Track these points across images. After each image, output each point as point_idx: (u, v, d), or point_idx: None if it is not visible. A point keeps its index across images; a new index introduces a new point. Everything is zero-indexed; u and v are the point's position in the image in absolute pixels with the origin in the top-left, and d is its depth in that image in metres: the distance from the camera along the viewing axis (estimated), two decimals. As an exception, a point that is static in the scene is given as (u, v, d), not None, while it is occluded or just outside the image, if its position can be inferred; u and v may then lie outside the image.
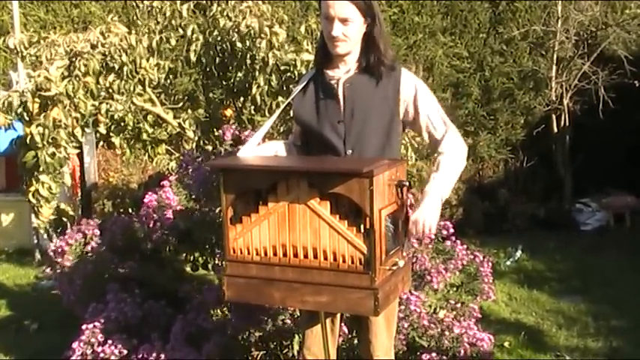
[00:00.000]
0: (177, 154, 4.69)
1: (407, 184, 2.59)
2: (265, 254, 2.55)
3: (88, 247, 4.16)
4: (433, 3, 7.90)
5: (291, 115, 2.87)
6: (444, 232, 3.88)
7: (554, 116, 7.82)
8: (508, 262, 6.29)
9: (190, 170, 4.00)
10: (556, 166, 7.88)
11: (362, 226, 2.42)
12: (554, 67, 7.70)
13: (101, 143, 5.00)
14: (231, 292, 2.64)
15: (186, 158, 4.07)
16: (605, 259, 6.28)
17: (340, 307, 2.54)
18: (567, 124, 7.81)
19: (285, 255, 2.53)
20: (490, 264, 4.25)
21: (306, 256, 2.50)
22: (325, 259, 2.48)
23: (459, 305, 4.00)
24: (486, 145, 8.06)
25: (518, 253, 6.46)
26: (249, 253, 2.58)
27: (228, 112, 4.86)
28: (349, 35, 2.62)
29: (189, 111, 4.79)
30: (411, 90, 2.71)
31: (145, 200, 4.26)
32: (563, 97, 7.71)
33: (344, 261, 2.46)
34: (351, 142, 2.68)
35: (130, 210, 4.83)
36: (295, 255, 2.51)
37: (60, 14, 7.94)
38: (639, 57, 7.64)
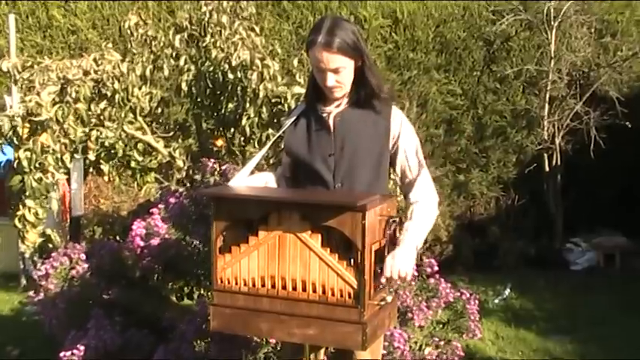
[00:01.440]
0: (166, 183, 4.67)
1: (397, 219, 2.58)
2: (253, 285, 2.54)
3: (74, 272, 4.11)
4: (428, 40, 7.93)
5: (282, 147, 2.86)
6: (429, 270, 3.86)
7: (545, 155, 7.83)
8: (496, 300, 6.25)
9: (171, 203, 4.00)
10: (547, 205, 7.87)
11: (352, 260, 2.41)
12: (547, 107, 7.73)
13: (91, 170, 4.97)
14: (218, 323, 2.61)
15: (166, 191, 4.07)
16: (595, 299, 6.25)
17: (328, 340, 2.51)
18: (559, 163, 7.81)
19: (273, 286, 2.51)
20: (477, 302, 4.25)
21: (294, 289, 2.48)
22: (314, 291, 2.47)
23: (442, 342, 3.98)
24: (478, 182, 8.06)
25: (507, 292, 6.43)
26: (237, 284, 2.56)
27: (219, 143, 4.86)
28: (343, 81, 2.65)
29: (180, 140, 4.78)
30: (397, 126, 2.73)
31: (133, 227, 4.24)
32: (555, 136, 7.72)
33: (333, 294, 2.44)
34: (340, 176, 2.69)
35: (119, 237, 4.79)
36: (284, 287, 2.50)
37: (57, 40, 7.95)
38: (631, 98, 7.70)
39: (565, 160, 7.80)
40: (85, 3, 7.90)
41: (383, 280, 2.46)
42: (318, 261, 2.44)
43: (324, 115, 2.72)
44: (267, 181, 2.81)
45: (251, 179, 2.78)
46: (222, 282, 2.58)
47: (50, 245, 4.98)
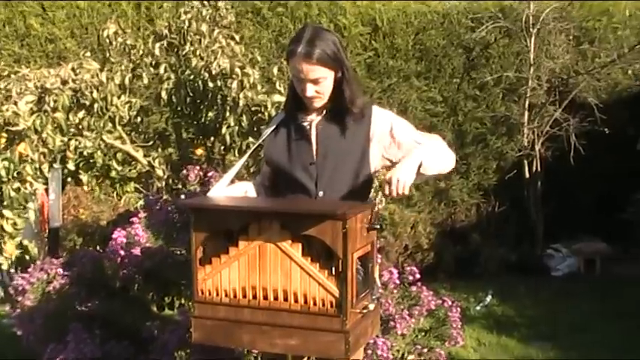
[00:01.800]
0: (146, 192, 4.63)
1: (378, 227, 2.56)
2: (235, 296, 2.51)
3: (51, 287, 4.06)
4: (408, 47, 7.95)
5: (262, 155, 2.85)
6: (410, 278, 3.85)
7: (526, 162, 7.87)
8: (478, 307, 6.26)
9: (154, 211, 3.97)
10: (528, 212, 7.90)
11: (334, 269, 2.39)
12: (527, 114, 7.76)
13: (70, 180, 4.92)
14: (199, 334, 2.58)
15: (150, 199, 4.04)
16: (576, 305, 6.27)
17: (310, 350, 2.49)
18: (539, 169, 7.85)
19: (255, 297, 2.49)
20: (459, 309, 4.24)
21: (276, 299, 2.46)
22: (296, 301, 2.44)
23: (425, 350, 3.97)
24: (459, 189, 8.08)
25: (489, 298, 6.44)
26: (217, 295, 2.53)
27: (199, 152, 4.83)
28: (323, 92, 2.64)
29: (160, 150, 4.74)
30: (386, 127, 2.71)
31: (114, 236, 4.20)
32: (535, 143, 7.76)
33: (315, 304, 2.42)
34: (323, 184, 2.67)
35: (99, 247, 4.74)
36: (265, 297, 2.47)
37: (35, 49, 7.88)
38: (609, 105, 7.76)
39: (545, 166, 7.84)
40: (63, 12, 7.83)
41: (386, 190, 2.45)
42: (300, 270, 2.42)
43: (305, 123, 2.71)
44: (246, 190, 2.79)
45: (230, 189, 2.75)
46: (202, 293, 2.55)
47: (27, 257, 4.91)
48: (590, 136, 7.39)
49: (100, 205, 7.10)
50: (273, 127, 2.79)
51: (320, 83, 2.60)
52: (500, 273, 7.24)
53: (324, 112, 2.70)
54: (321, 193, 2.67)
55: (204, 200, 2.83)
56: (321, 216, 2.37)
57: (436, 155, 2.64)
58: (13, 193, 3.91)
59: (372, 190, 2.97)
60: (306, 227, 2.39)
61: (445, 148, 2.73)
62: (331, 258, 2.39)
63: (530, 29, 7.58)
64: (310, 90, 2.61)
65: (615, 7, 8.23)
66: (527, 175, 7.91)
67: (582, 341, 5.29)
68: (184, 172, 3.84)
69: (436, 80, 8.04)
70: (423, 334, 4.26)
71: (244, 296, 2.49)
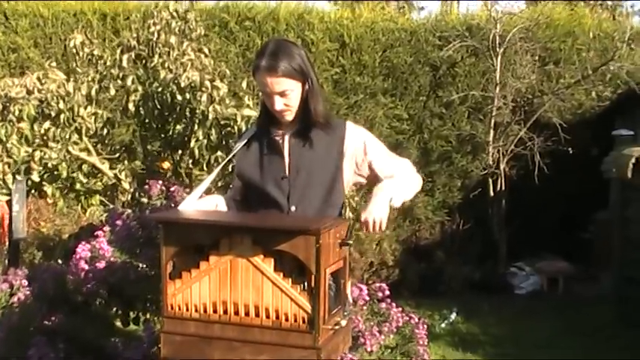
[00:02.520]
0: (111, 206, 4.55)
1: (350, 243, 2.54)
2: (205, 311, 2.46)
3: (15, 299, 3.97)
4: (375, 64, 7.97)
5: (232, 170, 2.82)
6: (380, 295, 3.82)
7: (490, 180, 7.92)
8: (443, 325, 6.27)
9: (116, 225, 3.90)
10: (491, 230, 7.94)
11: (306, 285, 2.36)
12: (492, 132, 7.82)
13: (33, 191, 4.82)
14: (168, 350, 2.52)
15: (113, 213, 3.97)
16: (539, 323, 6.31)
17: (281, 366, 2.45)
18: (503, 188, 7.90)
19: (225, 312, 2.44)
20: (425, 326, 4.22)
21: (247, 314, 2.41)
22: (267, 317, 2.40)
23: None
24: (423, 206, 8.10)
25: (453, 316, 6.46)
26: (187, 310, 2.48)
27: (166, 165, 4.77)
28: (291, 104, 2.62)
29: (126, 162, 4.67)
30: (360, 143, 2.71)
31: (78, 250, 4.12)
32: (500, 161, 7.81)
33: (287, 319, 2.38)
34: (295, 199, 2.64)
35: (61, 261, 4.65)
36: (236, 313, 2.42)
37: (-3, 58, 7.76)
38: (573, 125, 7.87)
39: (509, 185, 7.89)
40: (26, 21, 7.72)
41: (364, 230, 2.48)
42: (271, 286, 2.38)
43: (277, 137, 2.68)
44: (217, 204, 2.75)
45: (201, 203, 2.71)
46: (172, 308, 2.50)
47: (-11, 269, 4.80)
48: (554, 156, 7.49)
49: (62, 218, 6.99)
50: (244, 141, 2.76)
51: (287, 96, 2.59)
52: (464, 291, 7.27)
53: (297, 125, 2.68)
54: (293, 208, 2.65)
55: (174, 214, 2.79)
56: (294, 231, 2.34)
57: (405, 186, 2.66)
58: (-27, 205, 3.83)
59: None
60: (278, 242, 2.35)
61: (413, 174, 2.76)
62: (303, 274, 2.36)
63: (497, 49, 7.64)
64: (279, 103, 2.59)
65: (580, 28, 8.35)
66: (491, 193, 7.95)
67: (545, 358, 5.30)
68: (146, 186, 3.78)
69: (402, 98, 8.08)
70: (389, 350, 4.25)
71: (215, 311, 2.44)
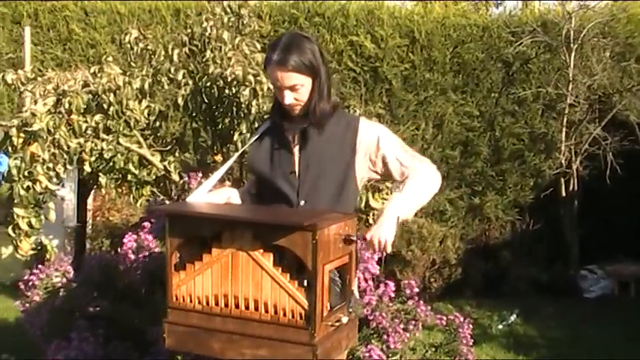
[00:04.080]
0: (160, 197, 4.66)
1: (354, 238, 2.52)
2: (207, 303, 2.50)
3: (59, 283, 4.13)
4: (445, 60, 7.87)
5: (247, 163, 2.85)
6: (408, 292, 3.79)
7: (562, 180, 7.70)
8: (500, 326, 6.14)
9: (155, 217, 4.00)
10: (562, 231, 7.73)
11: (305, 281, 2.36)
12: (565, 131, 7.60)
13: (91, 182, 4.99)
14: (171, 340, 2.58)
15: (152, 205, 4.07)
16: (603, 328, 6.11)
17: (278, 361, 2.46)
18: (576, 188, 7.68)
19: (226, 305, 2.47)
20: (470, 326, 4.16)
21: (247, 308, 2.44)
22: (266, 311, 2.42)
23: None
24: (494, 205, 7.96)
25: (513, 317, 6.32)
26: (191, 301, 2.52)
27: (219, 158, 4.85)
28: (301, 99, 2.63)
29: (177, 154, 4.77)
30: (373, 138, 2.68)
31: (124, 240, 4.25)
32: (572, 161, 7.60)
33: (284, 315, 2.39)
34: (304, 193, 2.65)
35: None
36: (237, 306, 2.45)
37: (76, 53, 8.05)
38: (651, 124, 7.56)
39: (582, 185, 7.66)
40: (104, 17, 8.00)
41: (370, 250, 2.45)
42: (270, 280, 2.40)
43: (288, 132, 2.69)
44: (229, 196, 2.78)
45: (212, 195, 2.75)
46: (177, 299, 2.55)
47: (47, 256, 4.99)
48: (630, 156, 7.21)
49: (130, 209, 7.20)
50: (259, 134, 2.79)
51: (297, 90, 2.59)
52: (529, 293, 7.09)
53: (309, 119, 2.68)
54: (302, 203, 2.65)
55: (178, 206, 2.84)
56: (291, 227, 2.35)
57: (417, 193, 2.62)
58: (22, 192, 3.98)
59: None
60: (276, 237, 2.36)
61: (429, 175, 2.68)
62: (303, 269, 2.37)
63: (571, 45, 7.43)
64: (289, 97, 2.60)
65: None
66: (563, 193, 7.74)
67: (602, 364, 5.16)
68: (186, 178, 3.85)
69: (473, 94, 7.95)
70: (433, 349, 4.22)
71: (216, 304, 2.48)
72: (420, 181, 2.64)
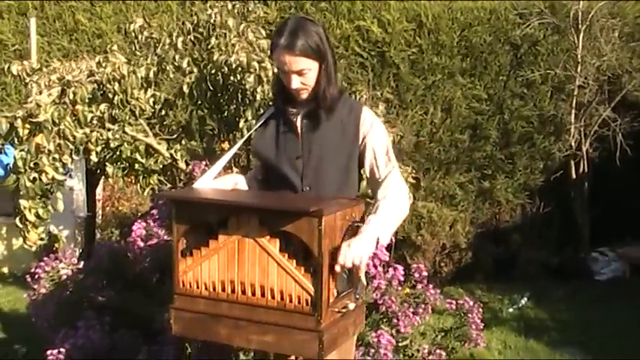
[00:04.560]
0: (168, 186, 4.67)
1: (361, 224, 2.51)
2: (214, 289, 2.50)
3: (65, 274, 4.13)
4: (453, 44, 7.81)
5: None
6: (417, 275, 3.77)
7: (572, 162, 7.65)
8: (511, 310, 6.12)
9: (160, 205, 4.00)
10: (573, 213, 7.68)
11: (311, 267, 2.35)
12: (574, 112, 7.55)
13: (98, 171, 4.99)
14: (178, 327, 2.59)
15: (157, 193, 4.06)
16: (614, 310, 6.08)
17: (285, 348, 2.46)
18: (586, 170, 7.62)
19: (233, 291, 2.47)
20: (480, 310, 4.15)
21: (253, 294, 2.44)
22: (272, 297, 2.42)
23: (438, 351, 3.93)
24: (504, 189, 7.92)
25: (524, 301, 6.30)
26: (198, 287, 2.53)
27: (225, 146, 4.84)
28: (308, 83, 2.62)
29: (184, 142, 4.77)
30: (368, 125, 2.68)
31: (134, 228, 4.25)
32: (582, 143, 7.54)
33: (291, 301, 2.39)
34: (308, 179, 2.64)
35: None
36: (243, 292, 2.46)
37: (82, 43, 8.05)
38: (661, 104, 7.50)
39: (593, 167, 7.61)
40: (110, 7, 7.98)
41: (337, 267, 2.36)
42: (277, 266, 2.40)
43: (292, 116, 2.68)
44: (236, 182, 2.77)
45: (219, 181, 2.74)
46: (183, 285, 2.55)
47: (57, 245, 5.01)
48: (640, 137, 7.16)
49: (139, 198, 7.20)
50: (263, 119, 2.78)
51: (305, 75, 2.58)
52: (540, 276, 7.04)
53: (313, 104, 2.66)
54: (307, 188, 2.65)
55: (185, 193, 2.84)
56: (297, 213, 2.35)
57: (393, 218, 2.58)
58: (29, 183, 3.98)
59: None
60: (282, 223, 2.36)
61: (400, 201, 2.64)
62: (310, 255, 2.36)
63: (579, 26, 7.36)
64: (295, 82, 2.58)
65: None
66: (573, 176, 7.69)
67: (613, 347, 5.13)
68: (190, 166, 3.84)
69: (482, 78, 7.88)
70: (443, 334, 4.21)
71: (223, 290, 2.48)
72: (394, 203, 2.61)
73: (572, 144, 7.57)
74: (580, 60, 7.38)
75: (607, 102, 7.47)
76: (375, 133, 2.68)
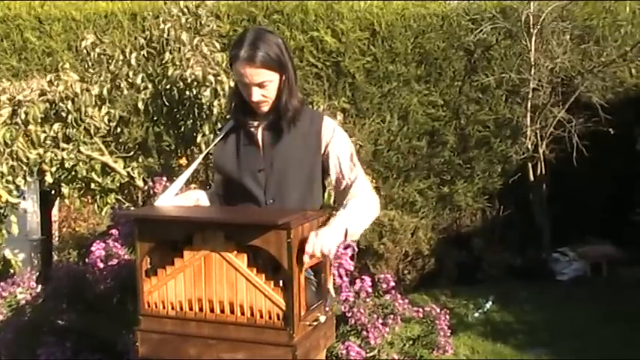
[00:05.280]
0: (126, 204, 4.57)
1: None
2: (181, 309, 2.43)
3: (24, 300, 4.01)
4: (407, 51, 7.82)
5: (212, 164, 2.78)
6: (384, 286, 3.74)
7: (530, 165, 7.71)
8: (476, 314, 6.13)
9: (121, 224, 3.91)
10: (533, 215, 7.74)
11: (280, 280, 2.30)
12: (529, 115, 7.61)
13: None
14: (145, 349, 2.50)
15: (117, 212, 3.98)
16: (578, 310, 6.12)
17: (257, 364, 2.39)
18: (544, 172, 7.69)
19: (201, 310, 2.41)
20: (447, 317, 4.13)
21: (222, 311, 2.38)
22: (242, 314, 2.36)
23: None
24: (463, 194, 7.95)
25: (489, 304, 6.32)
26: (164, 308, 2.45)
27: (183, 161, 4.76)
28: (269, 95, 2.57)
29: (141, 160, 4.68)
30: (329, 134, 2.64)
31: (92, 249, 4.15)
32: (538, 145, 7.61)
33: (261, 316, 2.34)
34: (271, 192, 2.59)
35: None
36: (211, 310, 2.39)
37: (32, 62, 7.89)
38: (615, 104, 7.59)
39: (550, 168, 7.68)
40: (59, 25, 7.83)
41: (305, 257, 2.29)
42: (245, 282, 2.34)
43: (253, 129, 2.63)
44: (198, 198, 2.71)
45: (180, 198, 2.67)
46: (149, 306, 2.47)
47: (12, 270, 4.88)
48: (595, 137, 7.23)
49: (97, 218, 7.06)
50: (223, 133, 2.72)
51: (265, 87, 2.53)
52: (504, 278, 7.07)
53: (273, 116, 2.62)
54: (270, 201, 2.60)
55: (147, 210, 2.77)
56: (265, 226, 2.29)
57: (363, 214, 2.55)
58: (-19, 207, 3.88)
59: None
60: (250, 237, 2.31)
61: (370, 201, 2.61)
62: (278, 269, 2.31)
63: (531, 29, 7.43)
64: (256, 94, 2.53)
65: (618, 5, 8.05)
66: (531, 178, 7.75)
67: (580, 347, 5.16)
68: (150, 183, 3.77)
69: (437, 84, 7.91)
70: (411, 342, 4.18)
71: (190, 309, 2.42)
72: (363, 201, 2.58)
73: (529, 146, 7.64)
74: (533, 63, 7.45)
75: (561, 103, 7.56)
76: (338, 141, 2.64)
